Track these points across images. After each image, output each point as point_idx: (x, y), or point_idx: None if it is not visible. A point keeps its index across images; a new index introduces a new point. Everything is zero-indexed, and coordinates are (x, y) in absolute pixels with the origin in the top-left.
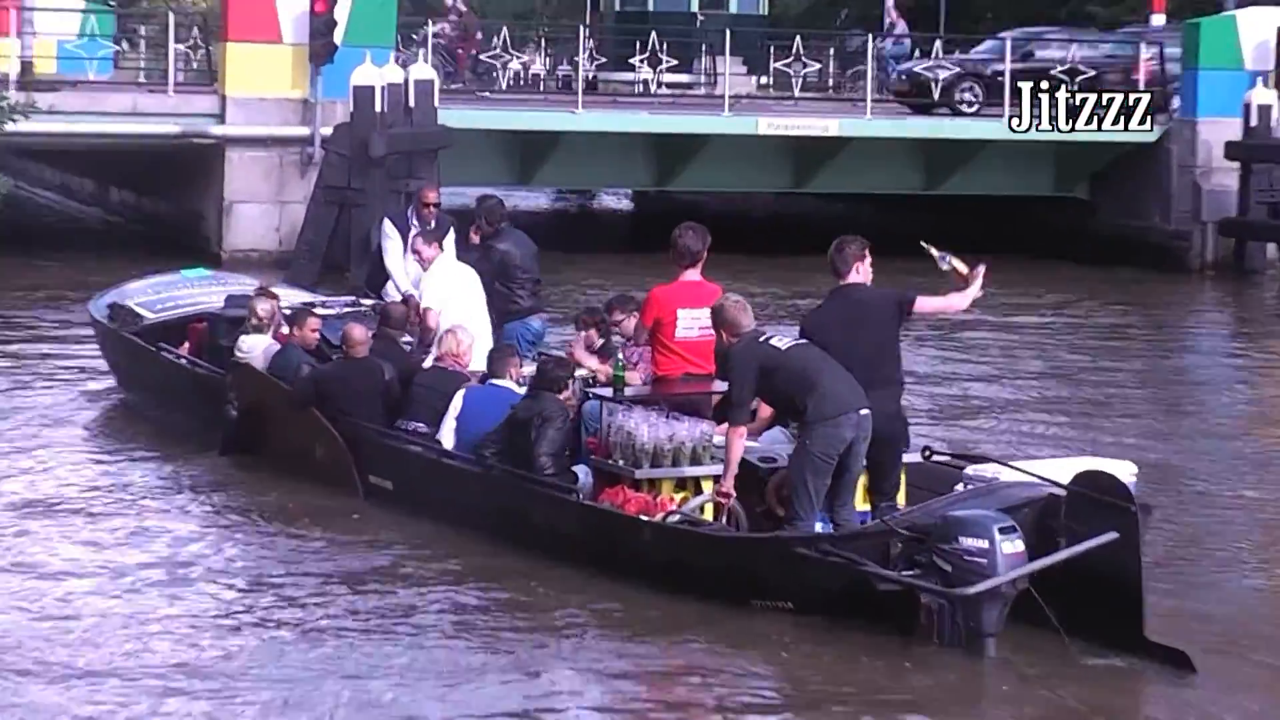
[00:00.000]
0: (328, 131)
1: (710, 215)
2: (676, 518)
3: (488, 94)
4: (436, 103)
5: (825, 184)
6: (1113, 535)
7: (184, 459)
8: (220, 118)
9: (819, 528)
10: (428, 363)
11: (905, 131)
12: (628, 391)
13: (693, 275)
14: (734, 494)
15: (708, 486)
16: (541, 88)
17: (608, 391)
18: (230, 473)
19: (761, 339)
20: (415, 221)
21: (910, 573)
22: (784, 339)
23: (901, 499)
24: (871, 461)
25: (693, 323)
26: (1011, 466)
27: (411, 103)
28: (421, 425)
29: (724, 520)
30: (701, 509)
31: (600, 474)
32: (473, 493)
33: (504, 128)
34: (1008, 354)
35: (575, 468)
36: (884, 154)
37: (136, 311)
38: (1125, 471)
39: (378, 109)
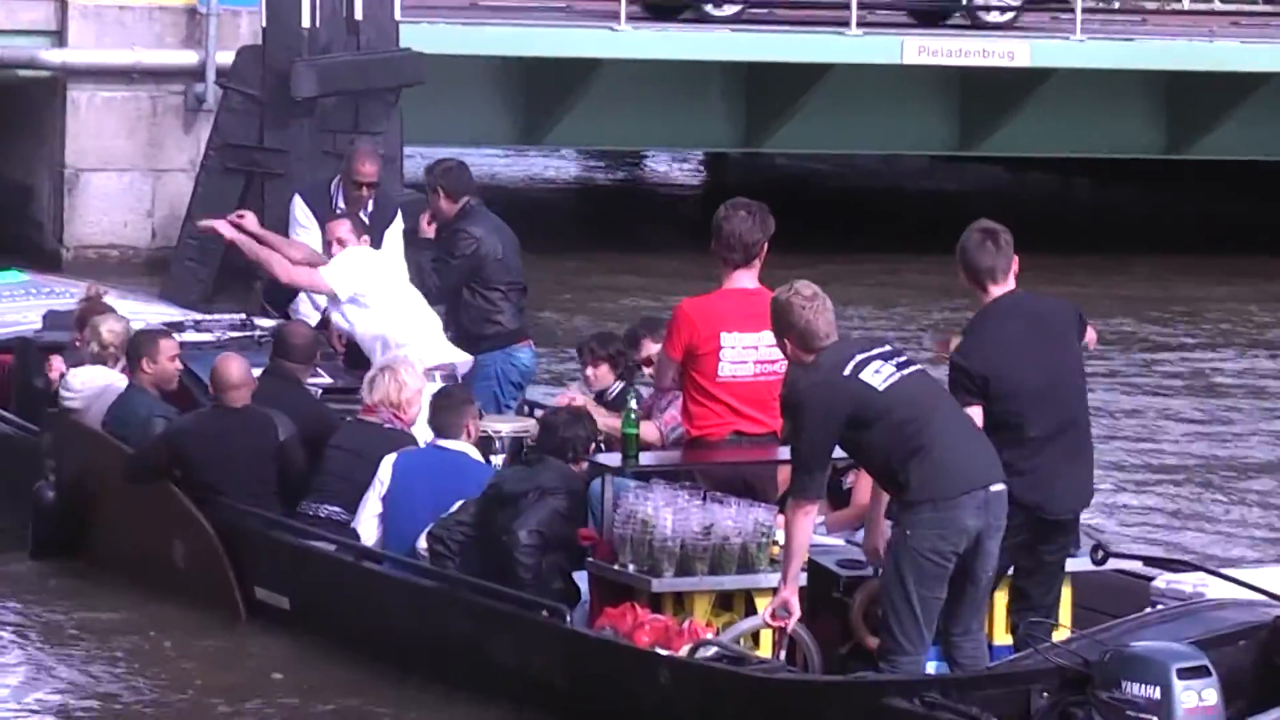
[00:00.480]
0: (228, 59)
1: (827, 192)
2: (711, 651)
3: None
4: (399, 13)
5: (1011, 143)
6: None
7: None
8: (58, 36)
9: (931, 668)
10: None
11: (1137, 60)
12: (644, 459)
13: (746, 280)
14: (797, 612)
15: (765, 605)
16: None
17: (612, 459)
18: (46, 584)
19: (850, 367)
20: (341, 203)
21: None
22: (882, 367)
23: (1065, 621)
24: (1027, 562)
25: (746, 354)
26: (1226, 577)
27: (359, 13)
28: (337, 510)
29: (781, 655)
30: (753, 638)
31: (602, 585)
32: (407, 613)
33: (505, 53)
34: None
35: (578, 574)
36: (1104, 95)
37: None
38: None
39: (305, 23)
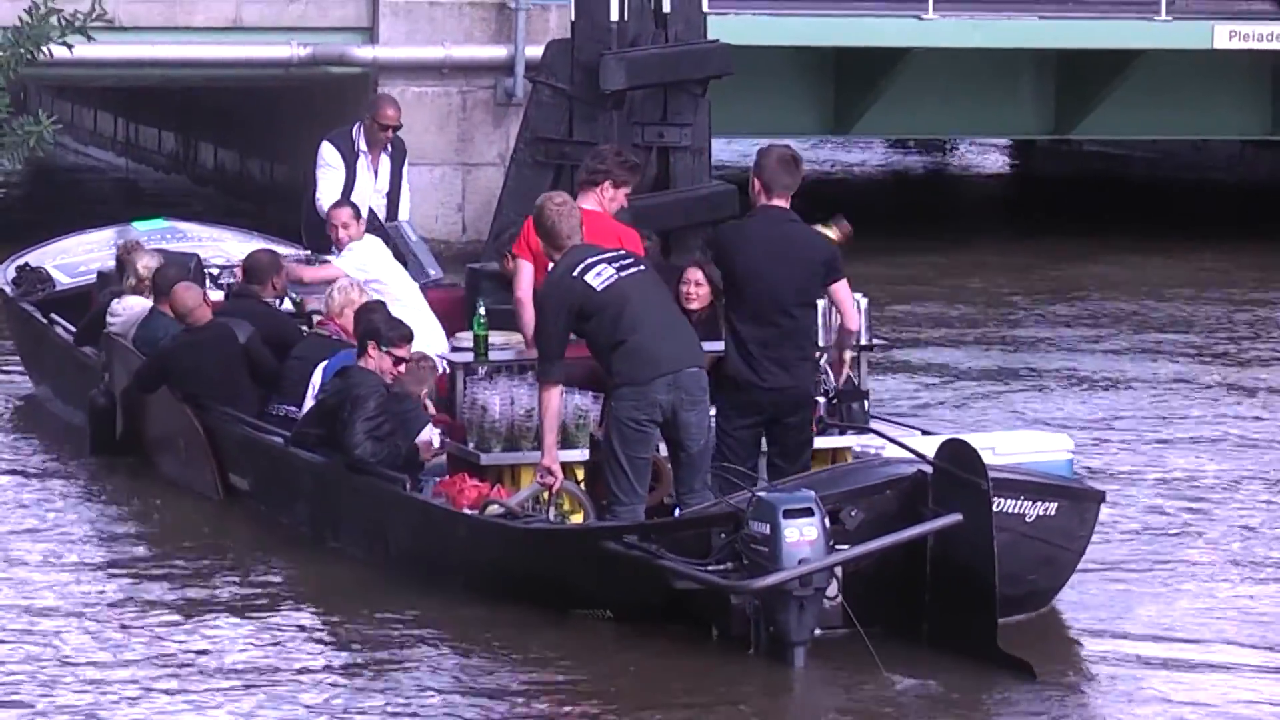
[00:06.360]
0: (537, 53)
1: (1136, 178)
2: (499, 510)
3: None
4: (706, 5)
5: None
6: (953, 519)
7: (49, 462)
8: (369, 33)
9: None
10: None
11: None
12: (494, 355)
13: (592, 204)
14: (560, 475)
15: (583, 474)
16: None
17: (464, 356)
18: (96, 471)
19: (579, 269)
20: (363, 145)
21: (720, 566)
22: (604, 270)
23: None
24: (772, 440)
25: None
26: (888, 438)
27: (667, 5)
28: (293, 408)
29: (551, 511)
30: (550, 499)
31: (455, 460)
32: (314, 489)
33: (812, 44)
34: None
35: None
36: None
37: (49, 274)
38: (1058, 446)
39: (614, 16)
